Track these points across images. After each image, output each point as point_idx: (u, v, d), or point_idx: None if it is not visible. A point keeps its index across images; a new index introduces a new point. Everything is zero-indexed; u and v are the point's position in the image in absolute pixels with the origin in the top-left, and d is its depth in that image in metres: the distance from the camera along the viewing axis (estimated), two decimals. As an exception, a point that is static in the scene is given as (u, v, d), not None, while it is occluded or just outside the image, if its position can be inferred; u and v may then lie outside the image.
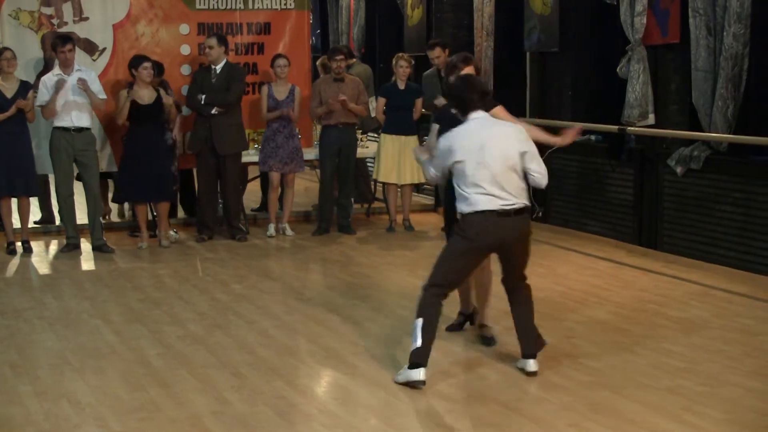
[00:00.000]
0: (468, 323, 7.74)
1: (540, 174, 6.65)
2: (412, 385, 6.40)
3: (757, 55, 9.47)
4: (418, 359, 6.43)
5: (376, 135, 12.85)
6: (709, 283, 9.23)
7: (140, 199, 11.10)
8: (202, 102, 11.13)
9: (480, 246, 6.56)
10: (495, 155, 6.45)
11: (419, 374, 6.40)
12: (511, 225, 6.51)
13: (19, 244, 10.88)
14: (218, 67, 11.26)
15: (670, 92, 10.44)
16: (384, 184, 12.16)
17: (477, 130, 6.55)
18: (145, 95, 10.83)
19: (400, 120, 11.85)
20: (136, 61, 10.91)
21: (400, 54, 12.13)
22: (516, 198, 6.52)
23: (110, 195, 12.78)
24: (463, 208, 6.56)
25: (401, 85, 11.84)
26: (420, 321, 6.49)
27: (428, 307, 6.57)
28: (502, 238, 6.52)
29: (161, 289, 9.31)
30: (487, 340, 7.36)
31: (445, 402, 6.22)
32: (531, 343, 6.77)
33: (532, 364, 6.70)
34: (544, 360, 6.86)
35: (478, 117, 6.63)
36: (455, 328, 7.69)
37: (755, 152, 9.70)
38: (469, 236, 6.50)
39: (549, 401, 6.20)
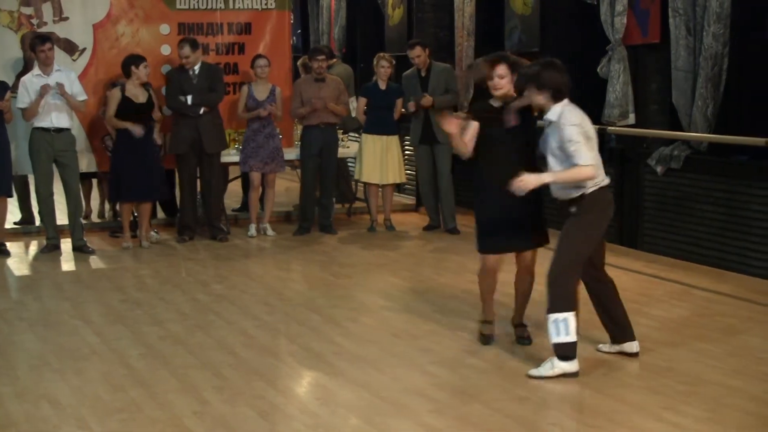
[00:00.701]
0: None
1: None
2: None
3: (736, 55, 9.51)
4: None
5: (357, 135, 12.84)
6: (690, 282, 9.25)
7: (130, 199, 11.06)
8: (189, 103, 11.10)
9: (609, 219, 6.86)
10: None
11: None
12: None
13: (-6, 245, 10.83)
14: (196, 68, 11.24)
15: (650, 92, 10.48)
16: (365, 184, 12.15)
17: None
18: (139, 94, 10.80)
19: (381, 120, 11.84)
20: (137, 60, 10.87)
21: (382, 54, 12.11)
22: None
23: (92, 195, 12.78)
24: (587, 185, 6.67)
25: (382, 86, 11.82)
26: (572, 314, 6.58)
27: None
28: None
29: (142, 289, 9.28)
30: (525, 340, 7.36)
31: (427, 401, 6.21)
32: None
33: (635, 346, 6.98)
34: (527, 360, 6.87)
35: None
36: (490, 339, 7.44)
37: (735, 152, 9.74)
38: (603, 209, 6.76)
39: (531, 400, 6.20)
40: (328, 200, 12.07)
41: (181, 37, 11.71)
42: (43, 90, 10.39)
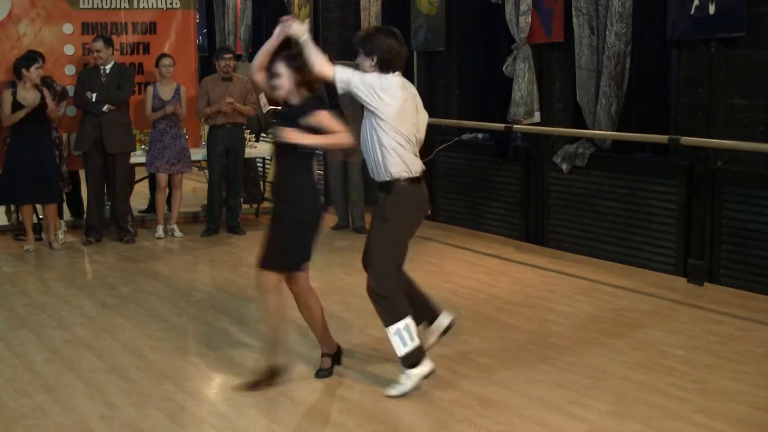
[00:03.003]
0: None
1: None
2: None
3: (638, 54, 9.66)
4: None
5: (266, 135, 12.81)
6: (594, 277, 9.39)
7: (26, 201, 10.89)
8: (93, 100, 10.97)
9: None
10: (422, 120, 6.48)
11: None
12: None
13: None
14: (108, 67, 11.12)
15: (554, 90, 10.61)
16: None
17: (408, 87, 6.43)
18: (29, 96, 10.63)
19: None
20: (27, 62, 10.69)
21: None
22: None
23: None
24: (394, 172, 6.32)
25: None
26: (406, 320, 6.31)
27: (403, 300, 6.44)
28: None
29: (47, 293, 9.15)
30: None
31: (337, 401, 6.22)
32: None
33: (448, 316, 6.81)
34: (433, 358, 6.91)
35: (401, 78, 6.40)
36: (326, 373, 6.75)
37: (638, 149, 9.89)
38: (411, 206, 6.43)
39: (439, 397, 6.24)
40: (235, 201, 12.01)
41: (85, 37, 11.58)
42: None
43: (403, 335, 6.27)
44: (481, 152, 11.53)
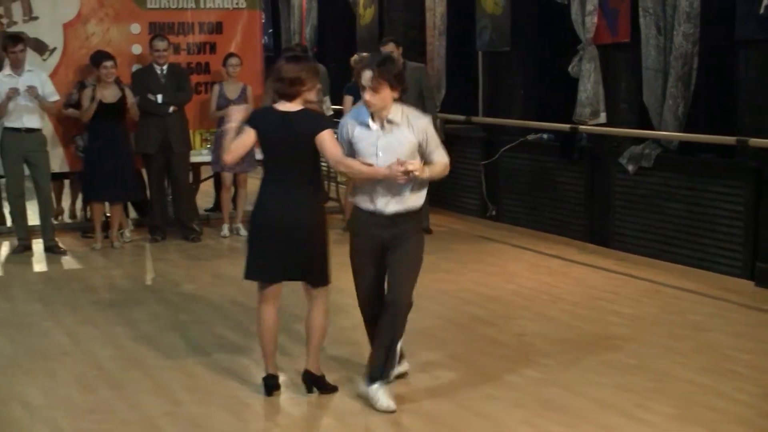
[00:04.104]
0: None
1: None
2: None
3: (706, 54, 9.56)
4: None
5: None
6: (659, 280, 9.31)
7: (109, 199, 11.03)
8: (159, 102, 11.08)
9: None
10: None
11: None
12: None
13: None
14: (164, 68, 11.23)
15: (620, 91, 10.53)
16: (338, 183, 12.20)
17: None
18: (109, 94, 10.76)
19: None
20: (97, 59, 10.85)
21: (365, 55, 12.15)
22: None
23: (63, 195, 12.72)
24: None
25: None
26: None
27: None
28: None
29: (113, 290, 9.26)
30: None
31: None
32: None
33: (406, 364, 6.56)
34: (496, 359, 6.90)
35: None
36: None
37: (705, 150, 9.79)
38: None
39: (500, 398, 6.23)
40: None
41: (151, 35, 11.70)
42: (10, 93, 10.33)
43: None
44: (545, 153, 11.48)
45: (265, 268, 6.18)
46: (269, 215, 6.11)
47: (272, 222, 6.07)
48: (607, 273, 9.66)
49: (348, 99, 12.01)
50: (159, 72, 11.23)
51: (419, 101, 11.13)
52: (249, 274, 6.27)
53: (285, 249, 6.05)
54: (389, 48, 11.76)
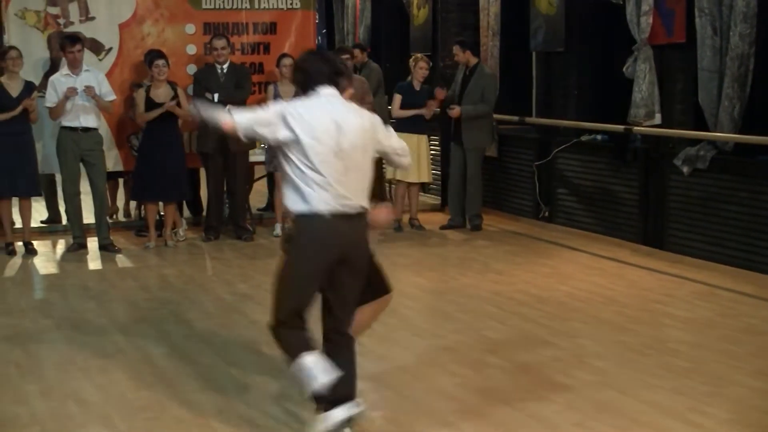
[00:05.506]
0: None
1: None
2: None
3: (762, 55, 9.47)
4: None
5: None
6: (714, 282, 9.23)
7: (159, 199, 11.12)
8: (215, 100, 11.13)
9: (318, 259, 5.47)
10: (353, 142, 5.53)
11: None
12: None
13: (20, 244, 10.87)
14: (225, 67, 11.28)
15: (675, 92, 10.44)
16: (392, 183, 12.23)
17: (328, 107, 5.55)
18: (161, 93, 10.84)
19: (413, 119, 11.89)
20: (149, 58, 10.96)
21: (420, 55, 12.21)
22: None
23: (118, 194, 12.83)
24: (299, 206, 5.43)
25: (417, 86, 11.96)
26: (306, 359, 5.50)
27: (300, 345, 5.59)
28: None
29: (167, 288, 9.32)
30: None
31: (450, 401, 6.22)
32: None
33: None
34: (549, 361, 6.86)
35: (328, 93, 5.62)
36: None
37: (761, 152, 9.69)
38: (304, 245, 5.50)
39: (553, 401, 6.20)
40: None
41: (207, 37, 11.77)
42: (68, 92, 10.44)
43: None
44: (599, 154, 11.41)
45: None
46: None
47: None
48: (661, 275, 9.58)
49: (398, 98, 12.05)
50: (219, 71, 11.29)
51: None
52: None
53: None
54: (454, 50, 11.98)
